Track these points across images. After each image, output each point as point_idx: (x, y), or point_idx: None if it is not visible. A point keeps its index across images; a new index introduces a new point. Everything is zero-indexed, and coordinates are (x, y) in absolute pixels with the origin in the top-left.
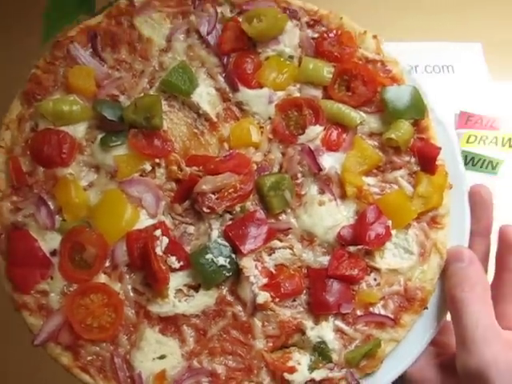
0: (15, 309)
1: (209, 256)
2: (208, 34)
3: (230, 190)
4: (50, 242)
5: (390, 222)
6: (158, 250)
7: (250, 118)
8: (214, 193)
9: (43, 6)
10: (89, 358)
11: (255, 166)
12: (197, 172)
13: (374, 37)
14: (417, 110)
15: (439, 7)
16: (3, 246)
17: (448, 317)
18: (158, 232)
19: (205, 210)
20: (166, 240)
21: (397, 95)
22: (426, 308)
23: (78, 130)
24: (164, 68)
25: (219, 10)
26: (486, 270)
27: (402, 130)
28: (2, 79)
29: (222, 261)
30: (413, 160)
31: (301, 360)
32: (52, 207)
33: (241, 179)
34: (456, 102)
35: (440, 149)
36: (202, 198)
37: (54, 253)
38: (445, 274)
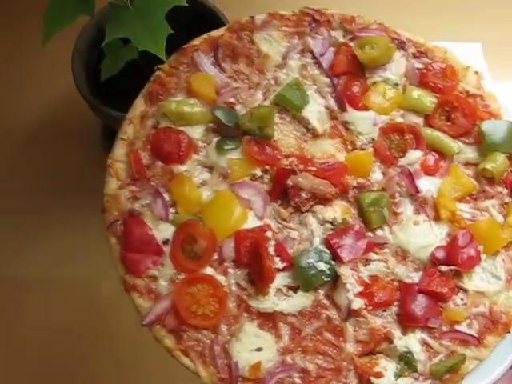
0: (125, 289)
1: (310, 260)
2: (321, 55)
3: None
4: (163, 231)
5: (481, 247)
6: (271, 250)
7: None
8: (306, 193)
9: (43, 6)
10: (190, 343)
11: (355, 183)
12: (295, 165)
13: (476, 72)
14: None
15: (439, 7)
16: (119, 231)
17: None
18: (269, 233)
19: (292, 203)
20: (273, 242)
21: (494, 129)
22: (509, 332)
23: (196, 132)
24: (278, 83)
25: (333, 34)
26: None
27: (498, 162)
28: (2, 79)
29: (322, 266)
30: (505, 191)
31: (387, 367)
32: (167, 200)
33: (334, 192)
34: None
35: None
36: (294, 191)
37: (165, 242)
38: None
